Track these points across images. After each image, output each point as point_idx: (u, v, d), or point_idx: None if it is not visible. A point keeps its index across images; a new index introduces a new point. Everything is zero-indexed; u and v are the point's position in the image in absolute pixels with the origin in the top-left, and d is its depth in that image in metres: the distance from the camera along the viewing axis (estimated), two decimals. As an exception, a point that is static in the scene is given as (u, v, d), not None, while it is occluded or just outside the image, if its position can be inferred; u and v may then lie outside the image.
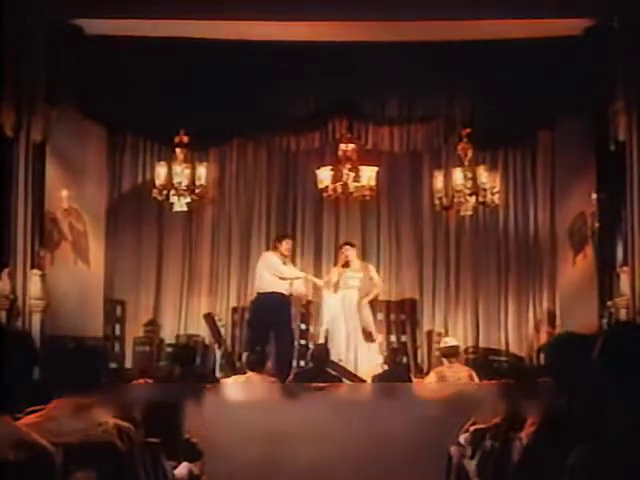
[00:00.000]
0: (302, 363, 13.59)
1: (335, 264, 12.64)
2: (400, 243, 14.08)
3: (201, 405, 8.69)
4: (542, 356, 13.26)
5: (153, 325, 13.73)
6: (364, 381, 9.86)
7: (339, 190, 12.06)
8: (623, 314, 10.11)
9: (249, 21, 10.24)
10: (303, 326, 13.70)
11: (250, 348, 10.57)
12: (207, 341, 13.76)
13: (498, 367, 13.69)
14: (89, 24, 10.29)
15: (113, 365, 13.45)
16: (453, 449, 7.04)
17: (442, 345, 11.00)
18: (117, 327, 13.63)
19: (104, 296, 12.77)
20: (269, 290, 10.87)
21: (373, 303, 12.45)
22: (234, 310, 13.85)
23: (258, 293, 11.10)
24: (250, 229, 13.78)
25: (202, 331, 13.69)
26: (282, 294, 10.93)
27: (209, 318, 12.47)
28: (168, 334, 13.77)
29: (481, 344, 13.97)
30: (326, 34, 10.57)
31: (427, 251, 14.00)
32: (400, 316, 13.80)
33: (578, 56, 10.29)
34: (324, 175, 12.15)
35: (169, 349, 13.70)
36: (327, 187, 12.11)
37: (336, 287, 11.89)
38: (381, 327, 13.83)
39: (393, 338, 13.79)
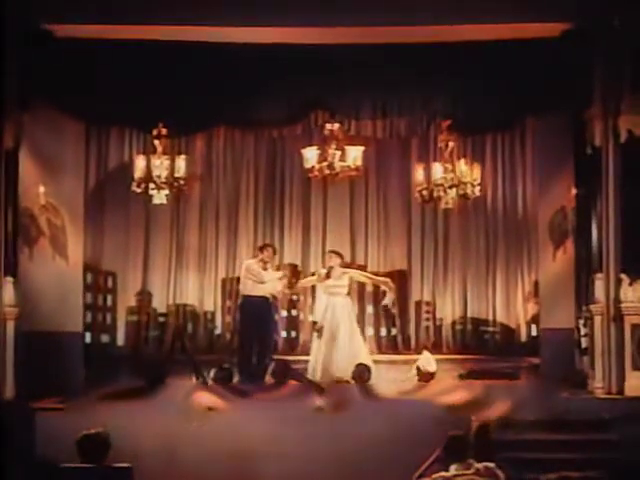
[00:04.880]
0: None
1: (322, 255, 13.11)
2: (388, 217, 14.12)
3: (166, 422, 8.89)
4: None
5: (144, 294, 13.92)
6: (323, 390, 9.97)
7: (325, 170, 11.93)
8: (598, 321, 10.09)
9: (228, 27, 10.19)
10: (294, 312, 14.02)
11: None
12: (197, 309, 14.07)
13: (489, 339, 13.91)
14: (62, 27, 10.12)
15: (105, 338, 13.77)
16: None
17: (420, 365, 10.92)
18: (109, 298, 13.88)
19: (92, 268, 12.98)
20: (252, 293, 10.98)
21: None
22: (223, 281, 14.15)
23: (243, 295, 11.20)
24: (237, 207, 13.92)
25: (191, 300, 14.01)
26: (265, 298, 11.02)
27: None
28: (158, 305, 13.98)
29: (469, 314, 14.08)
30: (307, 37, 10.40)
31: (415, 224, 14.05)
32: (389, 287, 13.89)
33: (555, 59, 10.04)
34: (310, 155, 11.99)
35: (161, 319, 14.02)
36: (313, 167, 11.97)
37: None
38: (369, 298, 14.06)
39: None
